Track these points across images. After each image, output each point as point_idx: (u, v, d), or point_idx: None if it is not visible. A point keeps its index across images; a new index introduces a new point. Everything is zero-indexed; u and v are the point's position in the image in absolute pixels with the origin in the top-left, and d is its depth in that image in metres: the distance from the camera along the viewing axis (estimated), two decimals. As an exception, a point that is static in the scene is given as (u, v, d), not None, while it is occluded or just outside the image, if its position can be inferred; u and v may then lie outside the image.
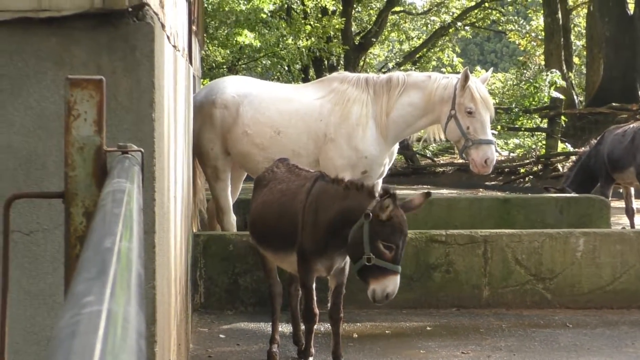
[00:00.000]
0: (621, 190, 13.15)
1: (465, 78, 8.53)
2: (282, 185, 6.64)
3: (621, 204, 12.52)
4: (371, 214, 5.82)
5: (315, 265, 6.23)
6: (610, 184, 12.37)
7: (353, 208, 5.96)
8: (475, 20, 37.92)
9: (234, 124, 8.92)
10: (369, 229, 5.84)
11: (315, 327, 6.58)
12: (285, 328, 7.59)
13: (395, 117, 8.75)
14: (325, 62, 31.64)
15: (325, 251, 6.19)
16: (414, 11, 38.48)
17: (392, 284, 5.87)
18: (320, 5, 31.25)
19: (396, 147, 9.21)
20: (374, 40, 35.04)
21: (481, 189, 22.55)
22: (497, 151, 9.09)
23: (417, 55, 36.88)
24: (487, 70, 9.82)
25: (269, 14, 25.28)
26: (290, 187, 6.55)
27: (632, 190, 12.67)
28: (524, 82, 25.73)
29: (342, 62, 32.39)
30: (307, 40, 27.40)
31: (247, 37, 24.31)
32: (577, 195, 11.83)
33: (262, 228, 6.69)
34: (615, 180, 12.35)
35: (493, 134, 8.79)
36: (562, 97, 24.02)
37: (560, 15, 30.26)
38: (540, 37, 34.40)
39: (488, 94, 8.84)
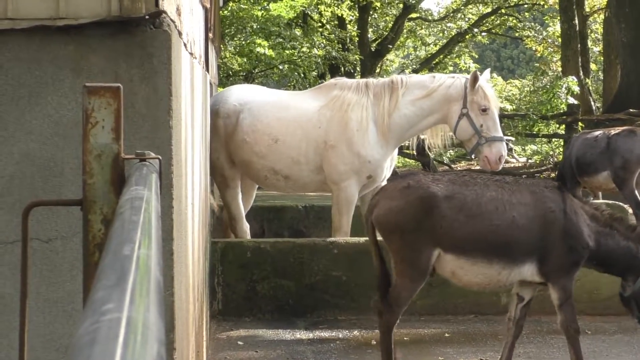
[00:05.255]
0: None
1: (475, 79, 8.57)
2: (493, 193, 6.11)
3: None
4: None
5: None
6: (577, 188, 12.38)
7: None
8: (491, 26, 37.83)
9: (234, 132, 8.92)
10: None
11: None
12: (304, 335, 7.59)
13: (397, 117, 8.71)
14: (342, 69, 31.61)
15: None
16: (430, 18, 38.40)
17: None
18: (336, 13, 31.25)
19: (396, 151, 9.21)
20: (391, 47, 35.01)
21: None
22: (509, 151, 9.08)
23: (434, 62, 36.82)
24: (503, 77, 9.91)
25: (282, 27, 25.24)
26: (514, 198, 6.13)
27: (600, 194, 12.67)
28: (540, 89, 25.64)
29: (358, 69, 32.34)
30: (322, 48, 27.40)
31: (263, 47, 24.30)
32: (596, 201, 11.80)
33: (490, 241, 6.10)
34: (581, 184, 12.35)
35: (509, 140, 8.80)
36: (577, 102, 23.93)
37: (577, 21, 30.13)
38: (557, 43, 34.26)
39: (494, 92, 8.97)
